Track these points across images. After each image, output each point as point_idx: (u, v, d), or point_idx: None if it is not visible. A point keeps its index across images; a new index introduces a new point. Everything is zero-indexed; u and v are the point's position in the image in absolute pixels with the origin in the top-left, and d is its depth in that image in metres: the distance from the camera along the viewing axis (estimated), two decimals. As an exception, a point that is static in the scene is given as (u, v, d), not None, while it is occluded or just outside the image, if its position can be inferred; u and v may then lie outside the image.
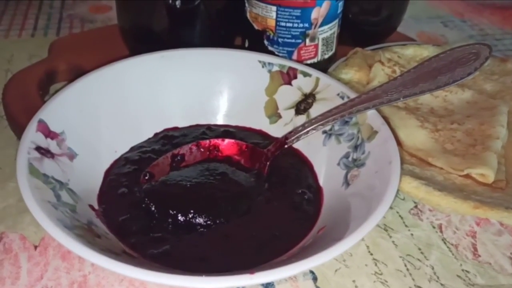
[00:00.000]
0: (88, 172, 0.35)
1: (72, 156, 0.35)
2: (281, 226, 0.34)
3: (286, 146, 0.38)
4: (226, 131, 0.42)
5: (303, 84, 0.41)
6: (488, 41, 0.68)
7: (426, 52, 0.54)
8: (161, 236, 0.32)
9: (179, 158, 0.38)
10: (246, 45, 0.51)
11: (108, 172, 0.37)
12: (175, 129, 0.42)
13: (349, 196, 0.34)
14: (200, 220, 0.33)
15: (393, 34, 0.60)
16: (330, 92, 0.40)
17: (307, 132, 0.37)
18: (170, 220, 0.33)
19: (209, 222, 0.33)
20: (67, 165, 0.33)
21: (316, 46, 0.48)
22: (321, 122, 0.37)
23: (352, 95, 0.38)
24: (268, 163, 0.38)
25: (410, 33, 0.64)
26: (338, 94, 0.39)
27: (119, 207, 0.34)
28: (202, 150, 0.39)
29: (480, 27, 0.73)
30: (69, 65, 0.52)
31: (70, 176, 0.33)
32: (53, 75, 0.52)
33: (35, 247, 0.35)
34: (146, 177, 0.36)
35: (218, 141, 0.40)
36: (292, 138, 0.38)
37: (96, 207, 0.34)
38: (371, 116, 0.37)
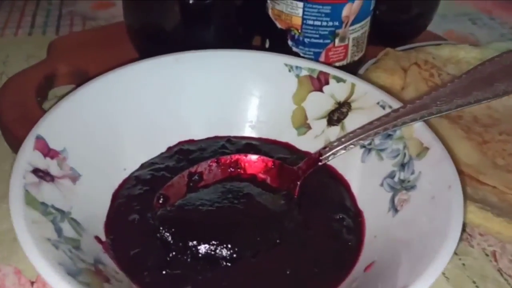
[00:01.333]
0: (94, 196, 0.30)
1: (75, 177, 0.30)
2: (319, 259, 0.29)
3: (320, 163, 0.33)
4: (248, 144, 0.37)
5: (336, 90, 0.36)
6: (521, 40, 0.63)
7: (462, 52, 0.49)
8: (180, 274, 0.27)
9: (196, 177, 0.33)
10: (267, 46, 0.46)
11: (116, 194, 0.32)
12: (191, 141, 0.37)
13: (399, 226, 0.29)
14: (224, 252, 0.28)
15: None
16: (368, 100, 0.35)
17: (345, 147, 0.33)
18: (189, 253, 0.28)
19: (235, 256, 0.28)
20: (69, 189, 0.29)
21: (346, 47, 0.43)
22: (361, 136, 0.32)
23: (395, 104, 0.33)
24: (299, 183, 0.33)
25: (437, 31, 0.59)
26: (378, 103, 0.34)
27: (129, 237, 0.29)
28: (222, 167, 0.34)
29: (511, 25, 0.68)
30: (70, 68, 0.48)
31: (72, 203, 0.28)
32: (53, 79, 0.47)
33: (32, 283, 0.30)
34: (160, 201, 0.31)
35: (240, 156, 0.35)
36: (327, 154, 0.33)
37: (103, 238, 0.29)
38: (419, 130, 0.32)
